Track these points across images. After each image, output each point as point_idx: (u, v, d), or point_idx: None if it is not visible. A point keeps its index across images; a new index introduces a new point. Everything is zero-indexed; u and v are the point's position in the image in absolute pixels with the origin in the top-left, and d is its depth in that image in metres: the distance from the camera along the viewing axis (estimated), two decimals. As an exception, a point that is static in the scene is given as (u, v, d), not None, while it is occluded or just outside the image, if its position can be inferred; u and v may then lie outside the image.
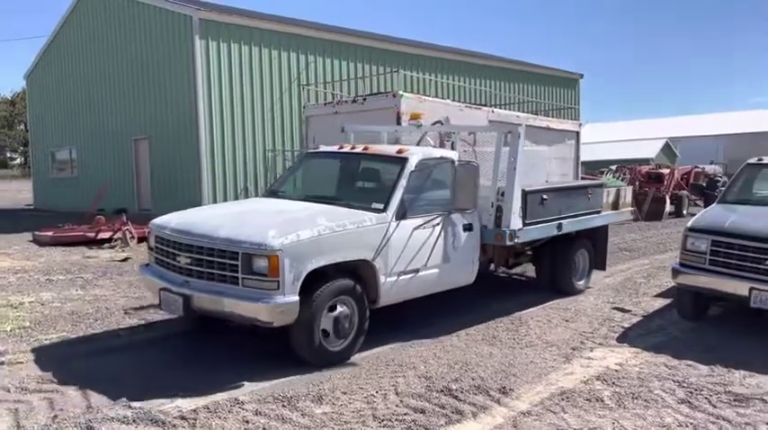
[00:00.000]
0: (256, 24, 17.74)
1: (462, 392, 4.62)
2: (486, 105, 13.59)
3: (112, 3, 20.23)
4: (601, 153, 35.84)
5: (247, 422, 4.11)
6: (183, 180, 17.45)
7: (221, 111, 16.95)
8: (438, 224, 6.02)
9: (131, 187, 19.82)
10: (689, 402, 4.51)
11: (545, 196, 7.23)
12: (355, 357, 5.40)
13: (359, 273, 5.42)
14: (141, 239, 12.84)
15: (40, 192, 25.63)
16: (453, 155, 6.66)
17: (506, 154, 6.63)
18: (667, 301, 7.56)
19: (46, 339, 5.94)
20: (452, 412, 4.30)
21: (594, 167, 24.98)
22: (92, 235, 12.70)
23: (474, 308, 7.10)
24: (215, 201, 16.73)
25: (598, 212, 8.33)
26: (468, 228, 6.38)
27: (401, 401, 4.46)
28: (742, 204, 7.06)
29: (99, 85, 21.07)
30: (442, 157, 6.45)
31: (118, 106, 20.18)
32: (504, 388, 4.72)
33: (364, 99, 11.42)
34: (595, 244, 8.50)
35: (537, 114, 17.45)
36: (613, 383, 4.86)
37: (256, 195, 17.47)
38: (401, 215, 5.70)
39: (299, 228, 5.02)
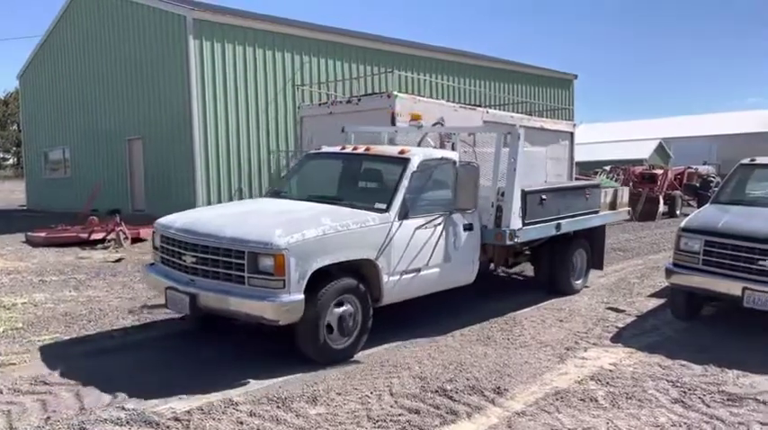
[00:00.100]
0: (250, 24, 17.71)
1: (457, 393, 4.62)
2: (480, 106, 13.62)
3: (106, 2, 20.17)
4: (595, 153, 35.92)
5: (241, 423, 4.09)
6: (176, 180, 17.40)
7: (215, 112, 16.92)
8: (439, 224, 6.09)
9: (125, 187, 19.75)
10: (683, 402, 4.52)
11: (544, 196, 7.31)
12: (355, 356, 5.41)
13: (362, 273, 5.48)
14: (135, 240, 12.82)
15: (33, 192, 25.52)
16: (454, 155, 6.74)
17: (506, 154, 6.70)
18: (661, 301, 7.59)
19: (39, 340, 5.91)
20: (447, 412, 4.30)
21: (588, 168, 25.06)
22: (85, 235, 12.64)
23: (469, 308, 7.11)
24: (209, 202, 16.70)
25: (596, 212, 8.42)
26: (468, 227, 6.44)
27: (396, 402, 4.46)
28: (735, 205, 7.08)
29: (92, 85, 20.99)
30: (443, 158, 6.52)
31: (111, 106, 20.11)
32: (498, 388, 4.73)
33: (359, 99, 11.42)
34: (593, 243, 8.58)
35: (531, 115, 17.50)
36: (607, 383, 4.87)
37: (251, 196, 17.46)
38: (403, 215, 5.77)
39: (304, 228, 5.08)
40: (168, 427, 4.02)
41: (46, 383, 4.78)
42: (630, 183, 19.44)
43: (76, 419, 4.11)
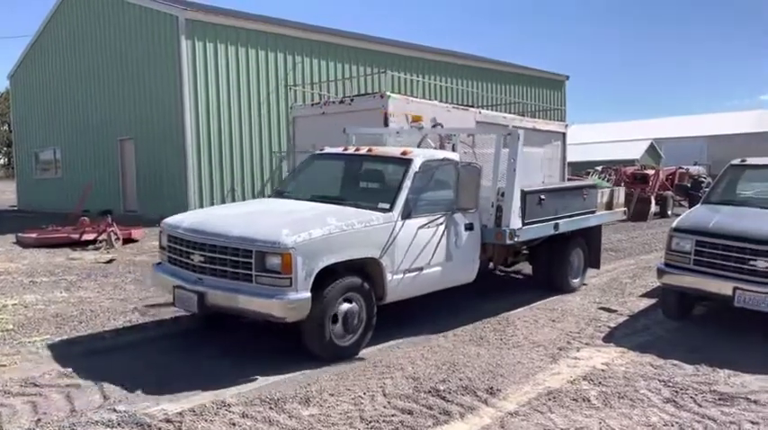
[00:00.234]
0: (243, 24, 17.68)
1: (450, 393, 4.62)
2: (473, 106, 13.65)
3: (97, 2, 20.09)
4: (587, 154, 36.02)
5: (234, 425, 4.08)
6: (168, 181, 17.35)
7: (207, 112, 16.88)
8: (441, 223, 6.20)
9: (116, 188, 19.67)
10: (674, 401, 4.54)
11: (543, 196, 7.44)
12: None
13: (366, 271, 5.57)
14: (126, 241, 12.75)
15: (23, 192, 25.36)
16: (455, 156, 6.88)
17: (506, 155, 6.82)
18: (653, 301, 7.62)
19: (29, 342, 5.87)
20: (440, 413, 4.30)
21: (580, 168, 25.13)
22: (76, 236, 12.56)
23: (462, 307, 7.11)
24: (201, 202, 16.66)
25: (593, 212, 8.55)
26: (469, 227, 6.56)
27: (389, 402, 4.45)
28: (726, 205, 7.11)
29: (84, 85, 20.89)
30: (444, 159, 6.64)
31: (103, 106, 20.02)
32: (491, 388, 4.73)
33: (351, 100, 11.43)
34: (590, 243, 8.71)
35: (523, 115, 17.53)
36: (600, 383, 4.89)
37: (243, 196, 17.42)
38: (406, 215, 5.88)
39: (310, 227, 5.18)
40: (160, 429, 4.00)
41: (36, 385, 4.75)
42: (622, 184, 19.50)
43: (67, 421, 4.09)
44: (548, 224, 7.51)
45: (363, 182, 6.78)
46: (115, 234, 12.38)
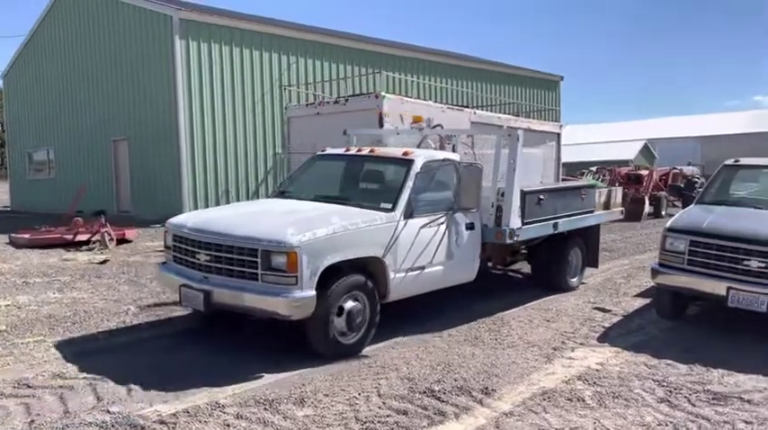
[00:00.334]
0: (237, 25, 17.64)
1: (445, 393, 4.62)
2: (467, 107, 13.67)
3: (91, 2, 20.01)
4: (581, 154, 36.11)
5: (228, 426, 4.07)
6: (162, 181, 17.29)
7: (201, 112, 16.83)
8: (442, 223, 6.28)
9: (110, 189, 19.60)
10: (668, 401, 4.55)
11: (542, 196, 7.52)
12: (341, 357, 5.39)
13: (369, 270, 5.63)
14: (120, 241, 12.71)
15: (16, 193, 25.24)
16: (456, 157, 6.99)
17: (506, 156, 6.90)
18: (647, 301, 7.63)
19: (22, 343, 5.84)
20: (435, 413, 4.29)
21: (575, 169, 25.19)
22: (70, 237, 12.50)
23: (457, 307, 7.11)
24: (195, 203, 16.62)
25: (591, 212, 8.64)
26: (470, 227, 6.64)
27: (383, 403, 4.45)
28: (719, 205, 7.14)
29: (77, 85, 20.81)
30: (445, 160, 6.73)
31: (97, 107, 19.95)
32: (486, 388, 4.73)
33: (346, 100, 11.43)
34: (588, 242, 8.80)
35: (518, 116, 17.57)
36: (594, 383, 4.89)
37: (238, 197, 17.39)
38: (408, 214, 5.96)
39: (315, 227, 5.25)
40: (154, 430, 3.98)
41: (29, 386, 4.72)
42: (616, 184, 19.56)
43: (60, 423, 4.06)
44: (547, 224, 7.60)
45: (366, 182, 6.83)
46: (109, 234, 12.34)
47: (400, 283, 5.86)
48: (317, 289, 5.09)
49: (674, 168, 23.56)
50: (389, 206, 5.91)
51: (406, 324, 6.42)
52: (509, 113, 18.70)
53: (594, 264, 9.12)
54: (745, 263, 5.88)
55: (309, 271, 5.03)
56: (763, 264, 5.80)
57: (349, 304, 5.40)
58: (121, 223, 14.22)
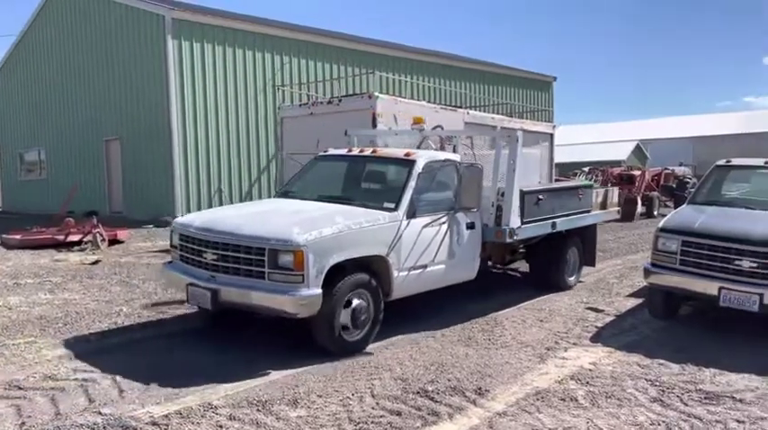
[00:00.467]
0: (230, 24, 17.60)
1: (438, 394, 4.62)
2: (461, 107, 13.68)
3: (83, 1, 19.91)
4: (574, 155, 36.27)
5: (221, 427, 4.05)
6: (155, 182, 17.23)
7: (194, 112, 16.78)
8: (444, 222, 6.39)
9: (102, 189, 19.51)
10: (661, 400, 4.57)
11: (541, 196, 7.65)
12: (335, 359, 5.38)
13: (373, 269, 5.71)
14: (112, 242, 12.65)
15: (7, 194, 25.09)
16: (457, 157, 7.12)
17: (506, 156, 7.02)
18: (639, 301, 7.66)
19: (13, 344, 5.80)
20: (428, 414, 4.29)
21: (568, 169, 25.28)
22: (61, 237, 12.44)
23: (451, 308, 7.11)
24: (188, 203, 16.57)
25: (588, 212, 8.79)
26: (470, 226, 6.75)
27: (377, 403, 4.44)
28: (711, 205, 7.17)
29: (69, 85, 20.71)
30: (446, 160, 6.84)
31: (89, 107, 19.86)
32: (479, 389, 4.73)
33: (340, 100, 11.41)
34: (585, 241, 8.91)
35: (511, 116, 17.60)
36: (587, 383, 4.90)
37: (231, 197, 17.34)
38: (411, 214, 6.06)
39: (320, 226, 5.34)
40: (146, 432, 3.96)
41: (20, 388, 4.69)
42: (609, 184, 19.63)
43: (52, 425, 4.04)
44: (545, 223, 7.73)
45: (368, 182, 6.93)
46: (101, 235, 12.28)
47: (403, 282, 5.96)
48: (322, 287, 5.17)
49: (666, 169, 23.67)
50: (392, 206, 6.01)
51: (399, 324, 6.40)
52: (502, 114, 18.72)
53: (592, 263, 9.25)
54: (737, 263, 5.91)
55: (316, 269, 5.12)
56: (754, 264, 5.83)
57: (354, 302, 5.49)
58: (113, 224, 14.16)
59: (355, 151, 7.32)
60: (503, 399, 4.56)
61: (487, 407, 4.43)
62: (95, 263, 10.55)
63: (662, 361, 5.41)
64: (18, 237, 12.63)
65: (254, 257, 5.20)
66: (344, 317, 5.42)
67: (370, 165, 7.03)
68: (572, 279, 8.60)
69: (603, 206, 9.57)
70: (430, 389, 4.70)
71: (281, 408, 4.33)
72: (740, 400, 4.58)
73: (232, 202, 16.86)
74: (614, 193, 10.11)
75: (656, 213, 19.86)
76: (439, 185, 6.58)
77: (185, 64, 16.53)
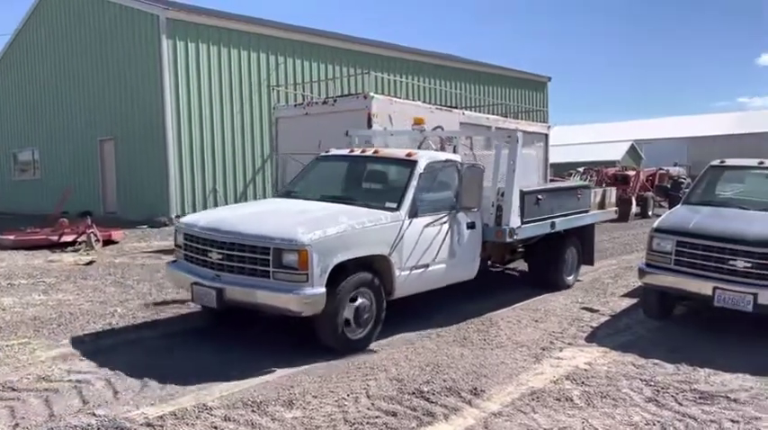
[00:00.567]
0: (225, 24, 17.57)
1: (434, 394, 4.62)
2: (456, 107, 13.68)
3: (77, 1, 19.84)
4: (569, 155, 36.33)
5: (216, 428, 4.03)
6: (149, 182, 17.18)
7: (189, 112, 16.74)
8: (445, 222, 6.45)
9: (96, 189, 19.44)
10: (656, 400, 4.58)
11: (540, 196, 7.73)
12: (326, 360, 5.37)
13: (375, 268, 5.76)
14: (106, 242, 12.60)
15: (1, 194, 24.93)
16: (458, 158, 7.18)
17: (506, 157, 7.08)
18: (634, 301, 7.67)
19: (7, 345, 5.76)
20: (424, 414, 4.29)
21: (562, 169, 25.32)
22: (55, 238, 12.39)
23: (446, 308, 7.11)
24: (183, 204, 16.53)
25: (586, 212, 8.87)
26: (471, 226, 6.80)
27: (372, 404, 4.44)
28: (705, 205, 7.19)
29: (63, 85, 20.63)
30: (447, 160, 6.91)
31: (83, 106, 19.78)
32: (475, 389, 4.73)
33: (335, 100, 11.40)
34: (583, 241, 8.99)
35: (506, 117, 17.63)
36: (582, 383, 4.91)
37: (225, 197, 17.31)
38: (413, 214, 6.12)
39: (324, 226, 5.41)
40: (140, 433, 3.95)
41: (14, 389, 4.66)
42: (603, 185, 19.67)
43: (45, 426, 4.02)
44: (545, 223, 7.79)
45: (370, 182, 7.00)
46: (95, 235, 12.24)
47: (405, 281, 6.03)
48: (326, 286, 5.23)
49: (661, 169, 23.73)
50: (394, 206, 6.07)
51: (395, 324, 6.39)
52: (498, 114, 18.75)
53: (590, 262, 9.35)
54: (731, 263, 5.93)
55: (320, 268, 5.17)
56: (748, 264, 5.85)
57: (357, 301, 5.55)
58: (108, 224, 14.11)
59: (357, 151, 7.38)
60: (498, 400, 4.56)
61: (483, 407, 4.43)
62: (89, 263, 10.51)
63: (657, 361, 5.42)
64: (12, 237, 12.57)
65: (259, 257, 5.25)
66: (348, 315, 5.49)
67: (372, 165, 7.08)
68: (570, 278, 8.68)
69: (602, 206, 9.68)
70: (425, 389, 4.70)
71: (276, 409, 4.32)
72: (734, 400, 4.60)
73: (227, 203, 16.83)
74: (612, 193, 10.20)
75: (650, 214, 19.91)
76: (440, 185, 6.65)
77: (180, 64, 16.49)
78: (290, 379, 4.90)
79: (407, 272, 6.03)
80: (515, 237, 7.17)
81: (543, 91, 28.73)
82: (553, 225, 7.91)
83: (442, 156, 7.11)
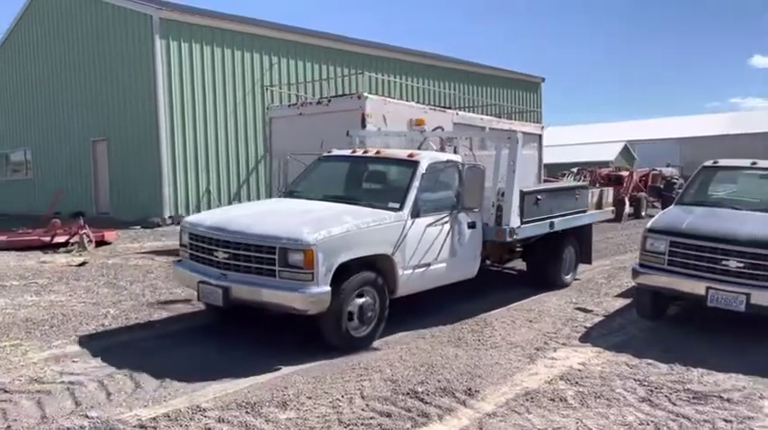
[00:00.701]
0: (218, 24, 17.53)
1: (428, 395, 4.62)
2: (450, 108, 13.69)
3: (70, 1, 19.75)
4: (562, 156, 36.41)
5: (209, 429, 4.02)
6: (142, 182, 17.12)
7: (182, 113, 16.70)
8: (446, 222, 6.55)
9: (89, 190, 19.36)
10: (650, 400, 4.59)
11: (539, 197, 7.83)
12: (321, 361, 5.36)
13: (378, 267, 5.85)
14: (99, 243, 12.55)
15: (-8, 194, 24.82)
16: (459, 158, 7.26)
17: (506, 157, 7.16)
18: (627, 301, 7.69)
19: (-2, 347, 5.73)
20: (418, 415, 4.28)
21: (556, 170, 25.38)
22: (47, 239, 12.32)
23: (440, 308, 7.11)
24: (176, 204, 16.48)
25: (584, 211, 8.99)
26: (471, 225, 6.90)
27: (367, 405, 4.43)
28: (698, 206, 7.22)
29: (56, 85, 20.53)
30: (448, 161, 7.01)
31: (76, 107, 19.70)
32: (469, 389, 4.73)
33: (329, 101, 11.39)
34: (581, 240, 9.10)
35: (500, 117, 17.65)
36: (576, 383, 4.92)
37: (219, 198, 17.26)
38: (415, 214, 6.21)
39: (329, 225, 5.48)
40: (134, 435, 3.93)
41: (6, 391, 4.63)
42: (596, 185, 19.72)
43: (38, 428, 3.99)
44: (544, 223, 7.88)
45: (373, 182, 7.05)
46: (87, 236, 12.18)
47: (408, 280, 6.11)
48: (331, 284, 5.31)
49: (654, 169, 23.82)
50: (397, 206, 6.14)
51: (390, 324, 6.39)
52: (491, 115, 18.77)
53: (588, 261, 9.46)
54: (724, 263, 5.95)
55: (325, 267, 5.26)
56: (741, 264, 5.87)
57: (361, 299, 5.62)
58: (100, 225, 14.06)
59: (359, 152, 7.45)
60: (492, 400, 4.56)
61: (477, 407, 4.43)
62: (82, 264, 10.45)
63: (650, 361, 5.44)
64: (4, 238, 12.50)
65: (265, 256, 5.32)
66: (352, 313, 5.56)
67: (375, 165, 7.16)
68: (568, 277, 8.78)
69: (599, 206, 9.81)
70: (420, 390, 4.69)
71: (270, 410, 4.31)
72: (728, 400, 4.61)
73: (220, 203, 16.79)
74: (609, 194, 10.34)
75: (643, 214, 19.97)
76: (442, 186, 6.73)
77: (173, 64, 16.44)
78: (284, 379, 4.89)
79: (410, 271, 6.12)
80: (515, 237, 7.25)
81: (537, 92, 28.80)
82: (552, 225, 8.00)
83: (444, 156, 7.20)
